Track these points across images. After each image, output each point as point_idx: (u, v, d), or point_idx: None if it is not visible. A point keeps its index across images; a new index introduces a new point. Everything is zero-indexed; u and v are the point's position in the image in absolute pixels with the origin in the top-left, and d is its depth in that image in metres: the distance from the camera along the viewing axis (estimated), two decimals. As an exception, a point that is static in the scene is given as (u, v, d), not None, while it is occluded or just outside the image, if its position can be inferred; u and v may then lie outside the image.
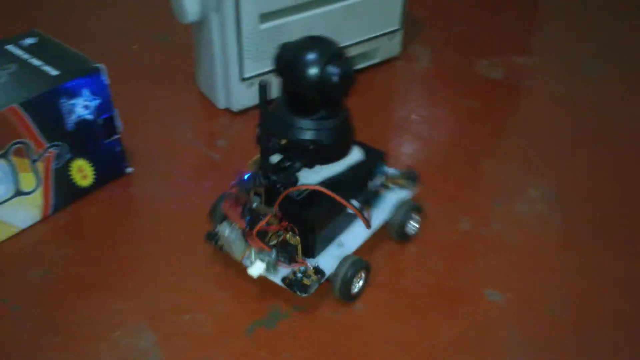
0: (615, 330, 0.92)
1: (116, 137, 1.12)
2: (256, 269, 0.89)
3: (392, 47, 1.50)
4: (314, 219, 0.90)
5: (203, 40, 1.30)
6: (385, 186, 1.02)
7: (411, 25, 1.58)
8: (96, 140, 1.10)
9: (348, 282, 0.90)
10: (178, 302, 0.95)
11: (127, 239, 1.06)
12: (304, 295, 0.88)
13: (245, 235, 0.89)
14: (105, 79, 1.06)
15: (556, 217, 1.10)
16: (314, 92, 0.86)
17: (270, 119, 0.88)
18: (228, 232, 0.91)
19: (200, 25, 1.28)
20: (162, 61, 1.51)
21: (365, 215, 0.94)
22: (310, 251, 0.92)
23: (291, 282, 0.89)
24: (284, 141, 0.90)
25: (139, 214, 1.12)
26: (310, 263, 0.91)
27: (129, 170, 1.17)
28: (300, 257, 0.91)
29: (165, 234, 1.06)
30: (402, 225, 1.00)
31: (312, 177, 0.92)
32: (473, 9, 1.80)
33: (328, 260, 0.92)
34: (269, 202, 0.89)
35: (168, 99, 1.38)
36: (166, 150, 1.24)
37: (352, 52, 1.42)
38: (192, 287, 0.97)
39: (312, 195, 0.90)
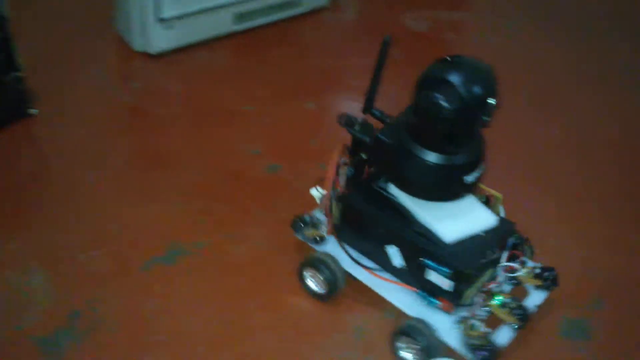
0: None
1: (16, 74, 1.07)
2: (313, 191, 0.87)
3: (319, -4, 1.47)
4: (346, 200, 0.85)
5: (119, -21, 1.25)
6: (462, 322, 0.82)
7: (340, -25, 1.55)
8: (-5, 77, 1.05)
9: (305, 263, 0.86)
10: (74, 241, 0.91)
11: (25, 181, 1.02)
12: (294, 232, 0.88)
13: None
14: (3, 11, 1.01)
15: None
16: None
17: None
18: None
19: (117, -37, 1.24)
20: (80, 2, 1.45)
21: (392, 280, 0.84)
22: (336, 225, 0.87)
23: (297, 217, 0.88)
24: (388, 120, 0.83)
25: (40, 156, 1.08)
26: (326, 233, 0.88)
27: (33, 111, 1.11)
28: (330, 220, 0.87)
29: (66, 176, 1.02)
30: (399, 332, 0.81)
31: (401, 193, 0.82)
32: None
33: (332, 247, 0.87)
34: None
35: (83, 40, 1.33)
36: (76, 92, 1.19)
37: (274, 0, 1.38)
38: (90, 227, 0.94)
39: (373, 194, 0.83)
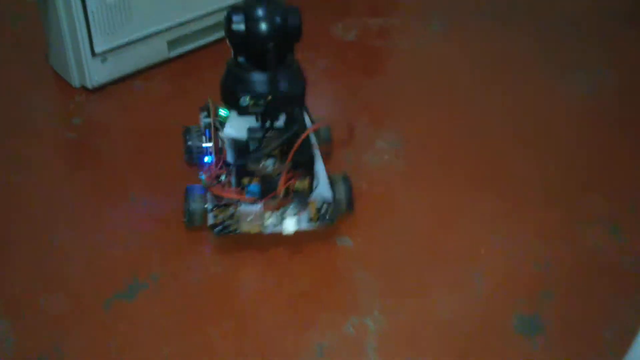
0: (459, 261, 0.99)
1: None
2: (291, 224, 0.94)
3: (249, 14, 1.51)
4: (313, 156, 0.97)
5: (49, 17, 1.26)
6: None
7: (267, -9, 1.59)
8: None
9: (350, 198, 1.00)
10: (33, 285, 0.94)
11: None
12: (333, 223, 0.96)
13: (261, 201, 0.94)
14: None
15: (400, 164, 1.17)
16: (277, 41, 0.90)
17: (231, 81, 0.94)
18: (243, 209, 0.94)
19: (45, 1, 1.24)
20: (12, 41, 1.45)
21: None
22: (311, 188, 0.97)
23: (322, 217, 0.96)
24: (269, 97, 0.92)
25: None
26: (318, 197, 0.96)
27: (-22, 157, 1.13)
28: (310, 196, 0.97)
29: (17, 218, 1.04)
30: None
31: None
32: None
33: (325, 189, 0.98)
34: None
35: (20, 80, 1.34)
36: (18, 132, 1.21)
37: (208, 22, 1.41)
38: (48, 268, 0.96)
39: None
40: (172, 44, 1.39)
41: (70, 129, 1.23)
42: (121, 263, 0.97)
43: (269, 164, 0.93)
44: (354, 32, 1.55)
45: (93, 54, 1.26)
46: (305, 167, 0.95)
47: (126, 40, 1.30)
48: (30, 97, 1.30)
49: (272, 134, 0.93)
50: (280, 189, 0.94)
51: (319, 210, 0.95)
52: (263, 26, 0.90)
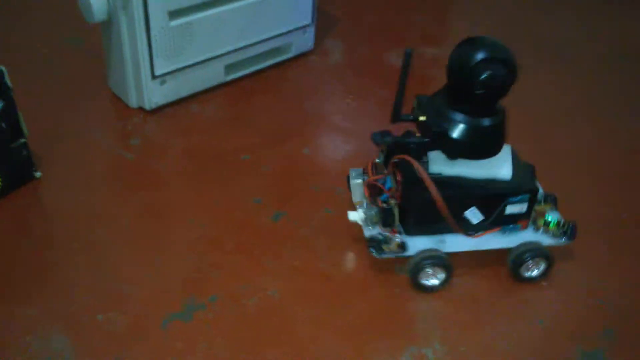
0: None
1: (22, 140, 1.10)
2: (353, 215, 0.98)
3: (305, 41, 1.52)
4: (414, 199, 0.94)
5: (112, 39, 1.29)
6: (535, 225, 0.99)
7: (324, 19, 1.60)
8: (1, 145, 1.07)
9: (416, 269, 0.94)
10: (91, 303, 0.94)
11: (37, 245, 1.04)
12: (375, 255, 0.94)
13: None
14: (8, 81, 1.04)
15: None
16: (462, 87, 0.91)
17: (431, 100, 0.95)
18: (355, 177, 1.01)
19: (109, 24, 1.27)
20: (72, 64, 1.48)
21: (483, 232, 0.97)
22: (407, 227, 0.97)
23: (372, 240, 0.96)
24: (422, 117, 0.94)
25: (49, 218, 1.10)
26: (400, 237, 0.96)
27: (38, 174, 1.14)
28: (395, 226, 0.97)
29: (76, 237, 1.05)
30: (518, 263, 0.97)
31: (446, 167, 0.95)
32: (384, 2, 1.84)
33: (418, 243, 0.96)
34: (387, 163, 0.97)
35: (79, 101, 1.36)
36: (77, 152, 1.22)
37: (265, 47, 1.43)
38: (105, 287, 0.96)
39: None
40: (228, 68, 1.40)
41: (129, 149, 1.24)
42: (178, 283, 0.97)
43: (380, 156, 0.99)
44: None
45: (153, 76, 1.29)
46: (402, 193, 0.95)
47: (186, 63, 1.32)
48: (90, 117, 1.32)
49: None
50: (368, 180, 1.00)
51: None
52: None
